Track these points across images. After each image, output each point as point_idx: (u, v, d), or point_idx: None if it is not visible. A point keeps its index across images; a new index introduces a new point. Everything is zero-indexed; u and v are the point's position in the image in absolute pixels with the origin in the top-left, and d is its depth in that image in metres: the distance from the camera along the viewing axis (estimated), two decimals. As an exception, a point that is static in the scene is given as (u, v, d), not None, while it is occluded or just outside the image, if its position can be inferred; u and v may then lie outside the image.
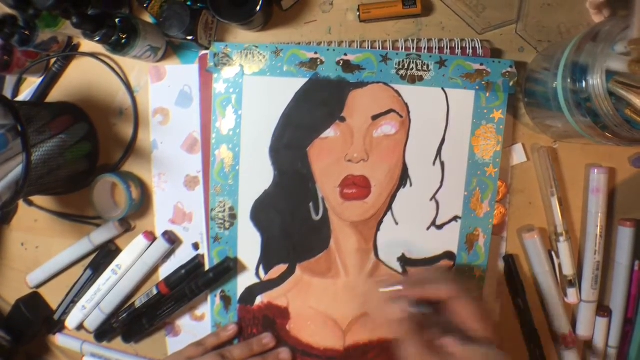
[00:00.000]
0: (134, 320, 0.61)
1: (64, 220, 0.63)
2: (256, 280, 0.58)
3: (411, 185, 0.56)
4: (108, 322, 0.62)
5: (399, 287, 0.47)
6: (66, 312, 0.64)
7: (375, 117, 0.55)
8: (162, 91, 0.60)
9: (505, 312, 0.58)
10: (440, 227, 0.57)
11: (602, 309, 0.57)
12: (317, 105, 0.56)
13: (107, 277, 0.61)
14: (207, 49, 0.57)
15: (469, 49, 0.55)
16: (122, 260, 0.61)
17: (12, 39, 0.53)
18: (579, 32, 0.46)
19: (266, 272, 0.58)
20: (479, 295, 0.46)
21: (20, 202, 0.64)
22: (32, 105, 0.60)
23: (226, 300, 0.59)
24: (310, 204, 0.57)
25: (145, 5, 0.54)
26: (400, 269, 0.57)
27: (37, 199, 0.64)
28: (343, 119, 0.55)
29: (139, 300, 0.60)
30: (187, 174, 0.60)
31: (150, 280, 0.62)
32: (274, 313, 0.58)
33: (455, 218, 0.57)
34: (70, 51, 0.61)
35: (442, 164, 0.56)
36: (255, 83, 0.56)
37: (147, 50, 0.55)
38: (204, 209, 0.59)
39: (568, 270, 0.56)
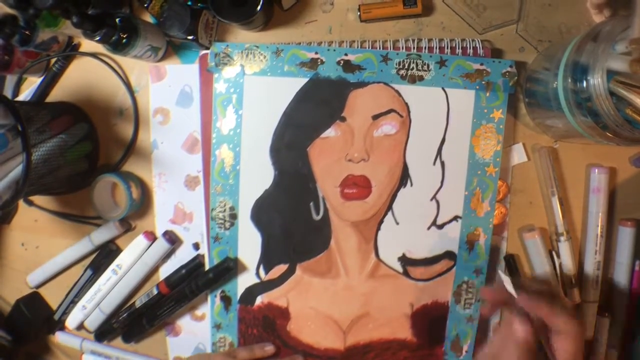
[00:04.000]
0: (134, 320, 0.61)
1: (64, 220, 0.63)
2: (256, 281, 0.58)
3: (412, 185, 0.56)
4: (108, 322, 0.62)
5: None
6: (66, 312, 0.64)
7: (375, 117, 0.55)
8: (162, 91, 0.60)
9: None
10: (440, 226, 0.57)
11: (603, 309, 0.57)
12: (317, 105, 0.56)
13: (107, 277, 0.61)
14: (207, 48, 0.57)
15: (470, 48, 0.55)
16: (123, 260, 0.61)
17: (13, 38, 0.54)
18: (580, 32, 0.46)
19: (266, 272, 0.58)
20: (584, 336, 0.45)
21: (21, 202, 0.64)
22: (32, 105, 0.60)
23: (226, 300, 0.59)
24: (311, 204, 0.57)
25: (145, 5, 0.54)
26: (400, 269, 0.57)
27: (37, 198, 0.64)
28: (343, 119, 0.55)
29: (139, 300, 0.60)
30: (187, 174, 0.60)
31: (150, 280, 0.62)
32: (274, 313, 0.58)
33: (455, 218, 0.56)
34: (70, 51, 0.61)
35: (443, 163, 0.56)
36: (255, 83, 0.56)
37: (147, 50, 0.55)
38: (205, 209, 0.59)
39: (569, 270, 0.56)
